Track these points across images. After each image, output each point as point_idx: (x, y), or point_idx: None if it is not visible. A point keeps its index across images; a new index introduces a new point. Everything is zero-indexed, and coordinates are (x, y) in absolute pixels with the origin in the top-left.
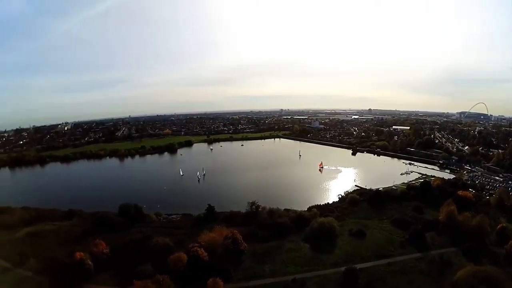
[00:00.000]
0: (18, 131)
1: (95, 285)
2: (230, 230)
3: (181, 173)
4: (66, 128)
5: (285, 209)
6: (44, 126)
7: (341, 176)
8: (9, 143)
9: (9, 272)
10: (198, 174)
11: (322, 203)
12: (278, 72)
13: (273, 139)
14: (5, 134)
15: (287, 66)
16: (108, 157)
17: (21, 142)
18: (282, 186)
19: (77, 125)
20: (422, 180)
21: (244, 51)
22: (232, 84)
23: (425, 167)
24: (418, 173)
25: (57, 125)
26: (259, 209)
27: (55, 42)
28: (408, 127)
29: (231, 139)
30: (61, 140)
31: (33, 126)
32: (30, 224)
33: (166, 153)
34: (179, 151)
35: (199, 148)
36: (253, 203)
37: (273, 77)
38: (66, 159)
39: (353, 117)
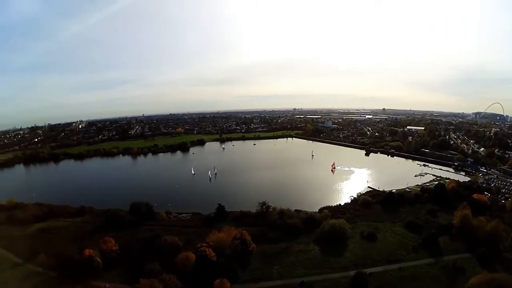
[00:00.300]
0: (33, 129)
1: (103, 282)
2: (239, 230)
3: (193, 172)
4: (80, 126)
5: (296, 210)
6: (59, 124)
7: (353, 177)
8: (24, 141)
9: (19, 267)
10: (209, 173)
11: (334, 204)
12: (291, 71)
13: (285, 138)
14: (21, 132)
15: (300, 65)
16: (121, 155)
17: (36, 140)
18: (294, 187)
19: (91, 124)
20: (437, 182)
21: (256, 50)
22: (245, 83)
23: (439, 169)
24: (433, 175)
25: (72, 123)
26: (270, 210)
27: (68, 43)
28: (423, 128)
29: (243, 138)
30: (75, 138)
31: (48, 124)
32: (42, 220)
33: (178, 152)
34: (192, 149)
35: (211, 147)
36: (263, 203)
37: (286, 76)
38: (79, 157)
39: (367, 116)
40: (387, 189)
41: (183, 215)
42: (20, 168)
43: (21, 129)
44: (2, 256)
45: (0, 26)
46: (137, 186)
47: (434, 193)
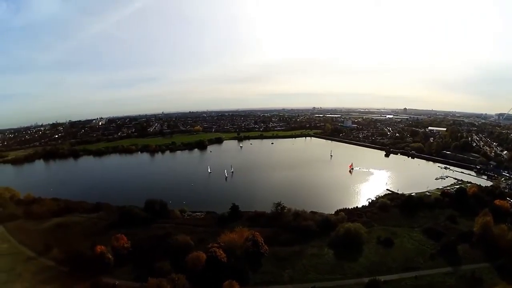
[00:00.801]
0: (54, 126)
1: (113, 279)
2: (252, 231)
3: (209, 171)
4: (100, 123)
5: (311, 212)
6: (80, 121)
7: (372, 178)
8: (45, 137)
9: (33, 260)
10: (225, 172)
11: (351, 206)
12: (312, 69)
13: (304, 137)
14: (42, 128)
15: (321, 64)
16: (139, 152)
17: (57, 136)
18: (310, 187)
19: (111, 121)
20: (458, 187)
21: (277, 49)
22: (266, 82)
23: (461, 172)
24: (454, 178)
25: (92, 120)
26: (284, 211)
27: (90, 41)
28: (445, 129)
29: (261, 137)
30: (94, 135)
31: (69, 120)
32: (58, 215)
33: (196, 150)
34: (209, 147)
35: (229, 145)
36: (278, 204)
37: (307, 74)
38: (98, 153)
39: (387, 116)
40: (406, 192)
41: (197, 213)
42: (40, 164)
43: (42, 125)
44: (17, 249)
45: (26, 26)
46: (154, 183)
47: (455, 198)
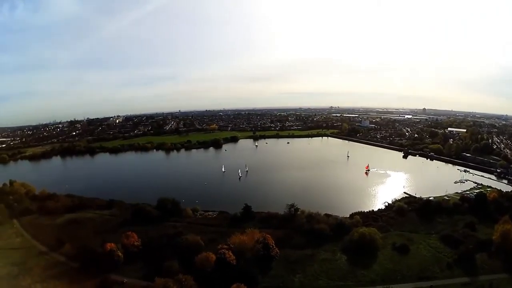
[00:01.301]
0: (72, 123)
1: (122, 277)
2: (263, 233)
3: (223, 170)
4: (117, 121)
5: (326, 214)
6: (97, 118)
7: (389, 181)
8: (63, 134)
9: (44, 255)
10: (239, 171)
11: (366, 210)
12: (329, 68)
13: (320, 137)
14: (60, 125)
15: (338, 63)
16: (154, 150)
17: (74, 133)
18: (325, 189)
19: (128, 118)
20: (477, 191)
21: (295, 47)
22: (283, 81)
23: (481, 176)
24: (474, 182)
25: (109, 118)
26: (298, 212)
27: (108, 40)
28: (464, 130)
29: (277, 136)
30: (111, 132)
31: (86, 118)
32: (72, 211)
33: (211, 148)
34: (224, 146)
35: (244, 144)
36: (291, 206)
37: (323, 73)
38: (114, 151)
39: (406, 116)
40: (424, 196)
41: (209, 213)
42: (56, 160)
43: (60, 122)
44: (30, 244)
45: (45, 25)
46: (168, 181)
47: (474, 204)
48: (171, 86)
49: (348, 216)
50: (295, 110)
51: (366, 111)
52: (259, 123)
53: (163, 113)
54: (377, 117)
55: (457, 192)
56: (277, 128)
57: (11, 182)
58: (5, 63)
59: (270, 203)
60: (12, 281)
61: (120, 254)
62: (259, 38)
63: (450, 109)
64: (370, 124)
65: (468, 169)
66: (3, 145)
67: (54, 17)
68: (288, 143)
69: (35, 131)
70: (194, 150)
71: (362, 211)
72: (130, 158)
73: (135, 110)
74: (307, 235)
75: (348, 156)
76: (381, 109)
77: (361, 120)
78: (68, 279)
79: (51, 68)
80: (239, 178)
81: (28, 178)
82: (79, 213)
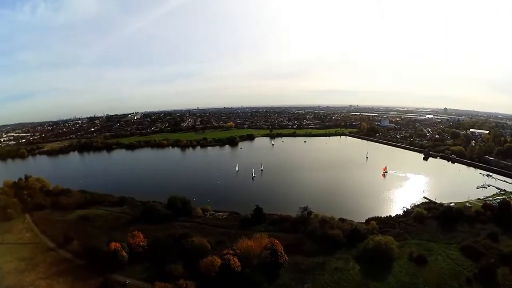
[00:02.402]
0: (92, 119)
1: (124, 277)
2: (271, 239)
3: (237, 169)
4: (135, 117)
5: (340, 219)
6: (116, 115)
7: (408, 184)
8: (82, 130)
9: (51, 252)
10: (253, 171)
11: (383, 215)
12: (348, 66)
13: (338, 136)
14: (79, 122)
15: (358, 60)
16: (170, 147)
17: (93, 129)
18: (342, 191)
19: (146, 115)
20: (501, 198)
21: (312, 45)
22: (300, 78)
23: (504, 181)
24: (496, 187)
25: (128, 114)
26: (311, 216)
27: (129, 38)
28: (487, 131)
29: (294, 135)
30: (129, 129)
31: (106, 114)
32: (84, 207)
33: (227, 146)
34: (240, 144)
35: (261, 142)
36: (305, 209)
37: (342, 71)
38: (131, 147)
39: (427, 116)
40: (444, 201)
41: (219, 213)
42: (74, 156)
43: (80, 119)
44: (39, 239)
45: (68, 24)
46: (181, 178)
47: (497, 212)
48: (191, 83)
49: (364, 221)
50: (313, 108)
51: (386, 110)
52: (276, 121)
53: (181, 110)
54: (397, 117)
55: (479, 198)
56: (295, 126)
57: (27, 177)
58: (28, 61)
59: (283, 205)
60: (17, 276)
61: (124, 254)
62: (278, 36)
63: (472, 109)
64: (390, 123)
65: (490, 174)
66: (23, 140)
67: (76, 16)
68: (305, 142)
69: (55, 126)
70: (209, 148)
71: (379, 216)
72: (146, 155)
73: (154, 107)
74: (320, 240)
75: (367, 157)
76: (401, 108)
77: (380, 119)
78: (72, 277)
79: (73, 65)
80: (253, 178)
81: (44, 173)
82: (90, 209)
